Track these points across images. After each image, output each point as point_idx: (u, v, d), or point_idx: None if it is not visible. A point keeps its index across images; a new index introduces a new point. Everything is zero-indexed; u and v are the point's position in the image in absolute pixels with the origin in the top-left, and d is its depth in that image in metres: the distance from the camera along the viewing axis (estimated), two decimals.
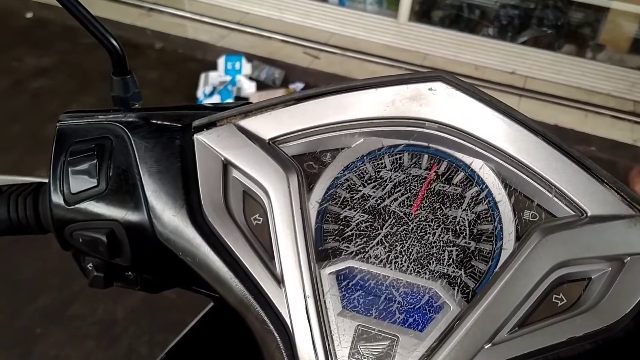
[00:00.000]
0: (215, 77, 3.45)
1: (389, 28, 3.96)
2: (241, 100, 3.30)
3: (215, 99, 3.30)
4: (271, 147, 0.51)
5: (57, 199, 0.54)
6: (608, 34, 3.85)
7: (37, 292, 2.20)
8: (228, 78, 3.44)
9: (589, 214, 0.46)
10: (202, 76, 3.46)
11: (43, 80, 3.43)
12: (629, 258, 0.45)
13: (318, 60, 3.79)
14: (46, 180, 0.58)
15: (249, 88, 3.43)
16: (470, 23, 3.96)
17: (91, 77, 3.36)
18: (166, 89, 3.40)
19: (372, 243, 0.48)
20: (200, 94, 3.36)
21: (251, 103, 0.54)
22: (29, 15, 4.01)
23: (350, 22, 4.02)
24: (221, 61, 3.50)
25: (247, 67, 3.51)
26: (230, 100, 3.30)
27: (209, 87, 3.37)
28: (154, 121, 0.56)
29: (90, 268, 0.58)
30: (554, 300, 0.45)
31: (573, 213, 0.47)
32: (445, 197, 0.49)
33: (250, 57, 3.61)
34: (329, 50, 3.88)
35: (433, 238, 0.48)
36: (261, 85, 3.48)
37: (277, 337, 0.47)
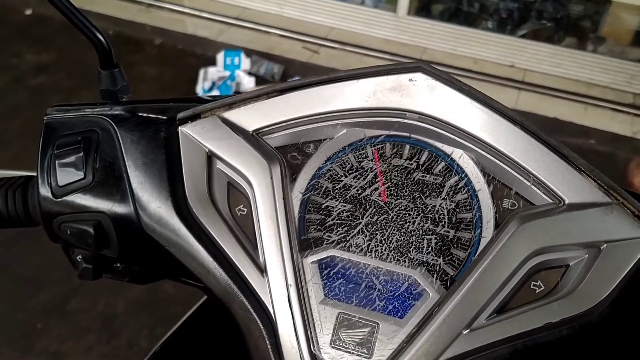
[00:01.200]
0: (214, 72, 3.46)
1: (388, 22, 3.96)
2: None
3: (215, 94, 3.31)
4: (255, 139, 0.52)
5: (45, 191, 0.55)
6: (609, 26, 3.84)
7: (38, 287, 2.22)
8: (227, 73, 3.44)
9: (566, 202, 0.47)
10: (202, 71, 3.46)
11: (43, 76, 3.44)
12: (605, 245, 0.46)
13: (317, 54, 3.79)
14: (34, 174, 0.58)
15: (248, 83, 3.43)
16: (469, 16, 3.96)
17: (91, 73, 3.32)
18: (166, 85, 3.40)
19: (353, 232, 0.49)
20: (199, 89, 3.37)
21: (235, 95, 0.55)
22: (29, 11, 4.02)
23: (350, 17, 4.02)
24: (220, 56, 3.50)
25: (246, 62, 3.51)
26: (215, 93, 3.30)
27: (208, 83, 3.37)
28: (140, 114, 0.56)
29: (79, 260, 0.59)
30: (532, 287, 0.46)
31: (551, 201, 0.48)
32: (425, 186, 0.49)
33: (249, 52, 3.61)
34: (328, 45, 3.88)
35: (413, 227, 0.48)
36: (260, 80, 3.48)
37: (261, 326, 0.48)
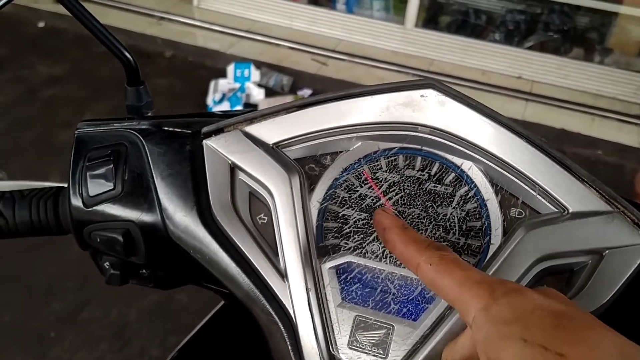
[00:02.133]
0: (224, 84, 3.50)
1: (396, 34, 4.00)
2: (250, 106, 3.35)
3: (225, 105, 3.35)
4: (275, 151, 0.55)
5: (76, 201, 0.58)
6: (616, 38, 3.86)
7: (51, 296, 2.25)
8: (237, 85, 3.48)
9: (570, 211, 0.50)
10: (212, 83, 3.51)
11: (55, 88, 3.49)
12: (607, 251, 0.48)
13: (326, 66, 3.83)
14: (65, 185, 0.61)
15: (257, 95, 3.47)
16: (476, 28, 3.99)
17: (103, 86, 3.41)
18: (177, 96, 3.45)
19: (368, 239, 0.51)
20: (210, 100, 3.41)
21: (256, 110, 0.58)
22: (41, 24, 4.09)
23: (358, 29, 4.06)
24: (230, 68, 3.55)
25: (255, 74, 3.56)
26: (239, 108, 3.34)
27: (218, 94, 3.42)
28: (166, 128, 0.59)
29: (107, 266, 0.61)
30: (540, 289, 0.48)
31: (555, 210, 0.50)
32: (437, 196, 0.52)
33: (259, 64, 3.66)
34: (336, 57, 3.92)
35: (425, 234, 0.51)
36: (270, 92, 3.52)
37: (282, 328, 0.50)
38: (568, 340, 0.34)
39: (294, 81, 3.62)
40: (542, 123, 3.41)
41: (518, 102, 3.62)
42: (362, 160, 0.54)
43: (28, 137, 3.07)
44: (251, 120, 0.56)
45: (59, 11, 4.03)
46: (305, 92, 3.56)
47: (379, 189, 0.53)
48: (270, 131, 0.56)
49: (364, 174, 0.53)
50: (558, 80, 3.76)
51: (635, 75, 3.68)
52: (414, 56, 3.96)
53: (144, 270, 0.62)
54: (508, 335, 0.35)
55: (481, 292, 0.39)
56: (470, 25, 4.03)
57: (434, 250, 0.44)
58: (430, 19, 4.11)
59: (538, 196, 0.51)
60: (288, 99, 3.42)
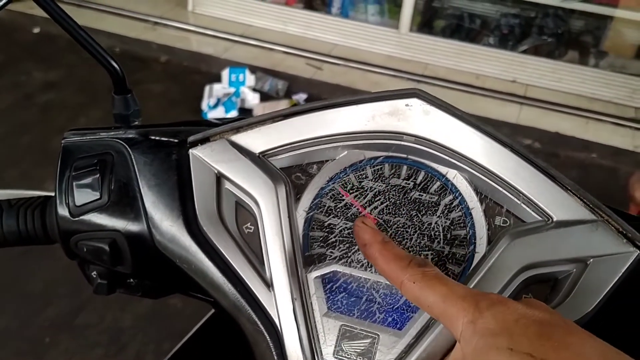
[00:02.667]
0: (219, 89, 3.51)
1: (390, 38, 4.01)
2: (245, 111, 3.35)
3: (220, 110, 3.35)
4: (261, 160, 0.55)
5: (62, 211, 0.57)
6: (611, 41, 3.88)
7: (47, 302, 2.25)
8: (232, 90, 3.49)
9: (554, 219, 0.50)
10: (207, 88, 3.51)
11: (51, 94, 3.49)
12: (591, 260, 0.48)
13: (321, 71, 3.83)
14: (52, 194, 0.61)
15: (252, 99, 3.47)
16: (471, 32, 4.00)
17: (98, 91, 3.41)
18: (171, 102, 3.45)
19: (354, 248, 0.52)
20: (204, 105, 3.41)
21: (243, 119, 0.58)
22: (36, 30, 4.09)
23: (353, 33, 4.07)
24: (225, 73, 3.55)
25: (250, 79, 3.56)
26: (234, 112, 3.35)
27: (213, 99, 3.42)
28: (153, 137, 0.59)
29: (95, 276, 0.61)
30: (523, 299, 0.49)
31: (540, 218, 0.50)
32: (422, 204, 0.52)
33: (253, 69, 3.66)
34: (331, 62, 3.92)
35: (410, 243, 0.51)
36: (265, 97, 3.53)
37: (267, 337, 0.50)
38: (552, 347, 0.35)
39: (289, 86, 3.63)
40: (536, 126, 3.42)
41: (512, 105, 3.63)
42: (348, 169, 0.54)
43: (24, 142, 3.07)
44: (237, 130, 0.56)
45: None
46: (300, 97, 3.56)
47: (358, 200, 0.53)
48: (256, 140, 0.56)
49: (339, 191, 0.53)
50: (552, 83, 3.77)
51: (629, 78, 3.69)
52: (409, 60, 3.97)
53: (131, 280, 0.62)
54: (495, 346, 0.36)
55: (466, 306, 0.39)
56: (464, 29, 4.04)
57: (416, 268, 0.44)
58: (425, 24, 4.12)
59: (522, 205, 0.51)
60: (283, 103, 3.42)
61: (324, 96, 3.58)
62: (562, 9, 3.86)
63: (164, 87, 3.57)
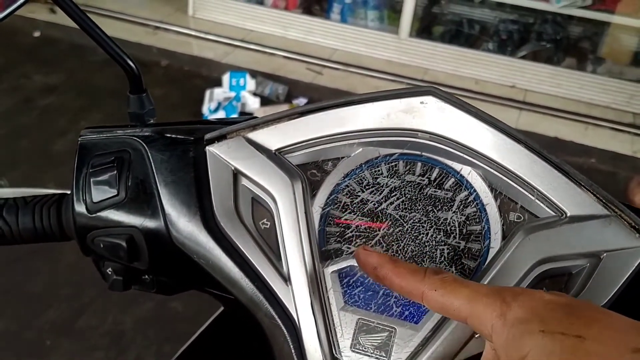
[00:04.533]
0: (220, 93, 3.51)
1: (390, 44, 4.02)
2: (246, 115, 3.35)
3: (220, 114, 3.36)
4: (277, 157, 0.56)
5: (79, 207, 0.58)
6: (608, 47, 3.90)
7: (47, 304, 2.24)
8: (232, 94, 3.49)
9: (568, 215, 0.51)
10: (207, 92, 3.52)
11: (51, 97, 3.49)
12: (605, 254, 0.49)
13: (321, 75, 3.84)
14: (68, 192, 0.62)
15: (253, 104, 3.48)
16: (470, 38, 4.02)
17: (99, 94, 3.42)
18: (172, 105, 3.45)
19: (370, 243, 0.52)
20: (205, 109, 3.42)
21: (257, 117, 0.59)
22: (37, 34, 4.09)
23: (352, 39, 4.08)
24: (226, 77, 3.56)
25: (251, 83, 3.56)
26: (235, 116, 3.35)
27: (214, 103, 3.43)
28: (168, 135, 0.60)
29: (110, 272, 0.62)
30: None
31: (554, 214, 0.51)
32: (437, 200, 0.53)
33: (254, 74, 3.67)
34: (331, 66, 3.94)
35: (426, 238, 0.52)
36: (265, 101, 3.53)
37: (285, 331, 0.51)
38: (582, 323, 0.36)
39: (289, 90, 3.64)
40: (535, 131, 3.43)
41: (512, 110, 3.64)
42: (363, 165, 0.55)
43: (24, 145, 3.07)
44: (254, 127, 0.57)
45: (54, 21, 4.04)
46: (301, 101, 3.57)
47: (380, 193, 0.54)
48: (272, 137, 0.56)
49: (354, 187, 0.54)
50: (551, 89, 3.78)
51: (627, 84, 3.71)
52: (409, 65, 3.99)
53: (146, 276, 0.63)
54: (527, 331, 0.37)
55: (492, 302, 0.40)
56: (463, 35, 4.05)
57: (433, 276, 0.44)
58: (424, 29, 4.14)
59: (536, 200, 0.52)
60: (283, 107, 3.42)
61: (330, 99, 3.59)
62: (560, 15, 3.88)
63: (165, 91, 3.57)
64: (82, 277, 2.23)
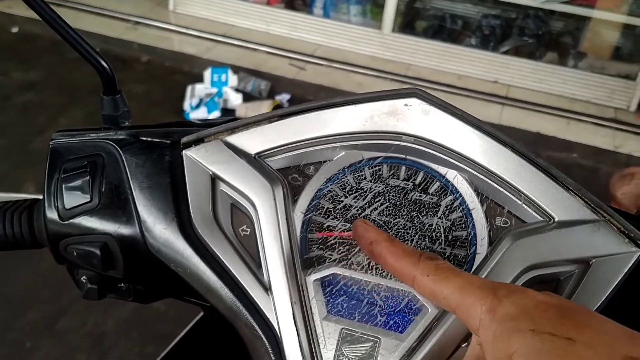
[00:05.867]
0: (201, 89, 3.48)
1: (373, 39, 4.01)
2: (228, 111, 3.32)
3: (202, 110, 3.33)
4: (257, 161, 0.54)
5: (51, 214, 0.56)
6: (589, 42, 3.92)
7: (27, 306, 2.21)
8: (214, 90, 3.46)
9: (556, 220, 0.49)
10: (189, 88, 3.48)
11: (30, 94, 3.44)
12: (594, 260, 0.48)
13: (304, 71, 3.82)
14: (40, 197, 0.60)
15: (235, 100, 3.45)
16: (452, 33, 4.02)
17: (79, 91, 3.37)
18: (153, 102, 3.42)
19: (354, 250, 0.51)
20: (187, 106, 3.39)
21: (237, 119, 0.57)
22: (15, 29, 4.02)
23: (336, 34, 4.07)
24: (207, 73, 3.53)
25: (233, 79, 3.54)
26: (217, 113, 3.32)
27: (195, 99, 3.39)
28: (144, 138, 0.58)
29: (84, 281, 0.60)
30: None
31: (541, 219, 0.50)
32: (422, 205, 0.52)
33: (236, 69, 3.64)
34: (315, 62, 3.92)
35: (411, 244, 0.50)
36: (247, 97, 3.51)
37: (266, 342, 0.49)
38: (574, 326, 0.35)
39: (272, 86, 3.62)
40: (518, 127, 3.44)
41: (494, 106, 3.65)
42: (346, 170, 0.54)
43: (3, 144, 3.02)
44: (232, 130, 0.55)
45: (33, 16, 3.93)
46: (284, 97, 3.55)
47: (364, 199, 0.52)
48: (252, 141, 0.54)
49: (337, 192, 0.52)
50: (533, 84, 3.80)
51: (608, 79, 3.74)
52: (392, 61, 3.98)
53: (122, 284, 0.61)
54: (517, 329, 0.36)
55: (483, 295, 0.39)
56: (446, 30, 4.06)
57: (427, 261, 0.43)
58: (407, 24, 4.14)
59: (524, 205, 0.50)
60: (266, 103, 3.41)
61: (308, 96, 3.58)
62: (542, 10, 3.89)
63: (146, 87, 3.53)
64: (63, 279, 2.19)
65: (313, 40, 4.10)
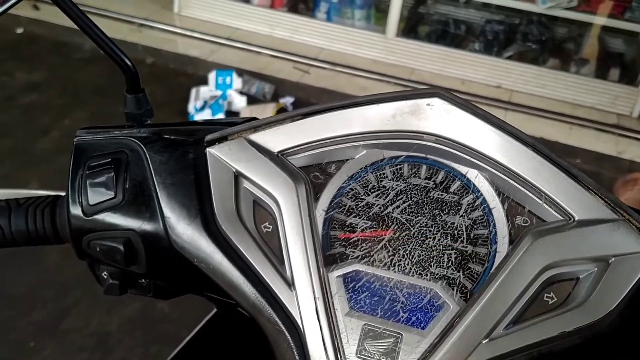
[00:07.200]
0: (206, 91, 3.48)
1: (377, 43, 4.02)
2: (232, 114, 3.33)
3: (206, 113, 3.33)
4: (280, 159, 0.55)
5: (75, 210, 0.57)
6: (591, 48, 3.93)
7: (31, 306, 2.21)
8: (219, 92, 3.47)
9: (576, 219, 0.50)
10: (193, 91, 3.49)
11: (34, 95, 3.44)
12: (613, 259, 0.49)
13: (308, 74, 3.83)
14: (62, 194, 0.60)
15: (239, 102, 3.46)
16: (456, 38, 4.03)
17: (83, 92, 3.38)
18: (158, 104, 3.39)
19: (376, 247, 0.51)
20: (191, 108, 3.39)
21: (258, 119, 0.58)
22: (20, 30, 4.03)
23: (339, 38, 4.08)
24: (212, 76, 3.53)
25: (237, 82, 3.54)
26: (221, 115, 3.33)
27: (199, 102, 3.40)
28: (167, 136, 0.59)
29: (106, 276, 0.60)
30: (545, 298, 0.49)
31: (561, 218, 0.51)
32: (444, 204, 0.52)
33: (240, 72, 3.64)
34: (318, 65, 3.92)
35: (433, 242, 0.51)
36: (252, 100, 3.51)
37: (289, 337, 0.50)
38: None
39: (275, 89, 3.62)
40: None
41: (497, 111, 3.65)
42: (367, 168, 0.54)
43: (7, 144, 3.02)
44: (255, 128, 0.56)
45: (37, 17, 3.98)
46: (287, 100, 3.55)
47: (385, 197, 0.53)
48: (275, 139, 0.55)
49: (359, 190, 0.53)
50: (536, 89, 3.81)
51: (611, 85, 3.75)
52: (395, 65, 3.98)
53: (143, 280, 0.62)
54: None
55: None
56: (450, 35, 4.06)
57: None
58: (410, 29, 4.14)
59: (544, 204, 0.51)
60: (270, 106, 3.41)
61: (311, 99, 3.58)
62: (545, 16, 3.90)
63: (150, 89, 3.44)
64: (67, 278, 2.20)
65: (316, 44, 4.11)
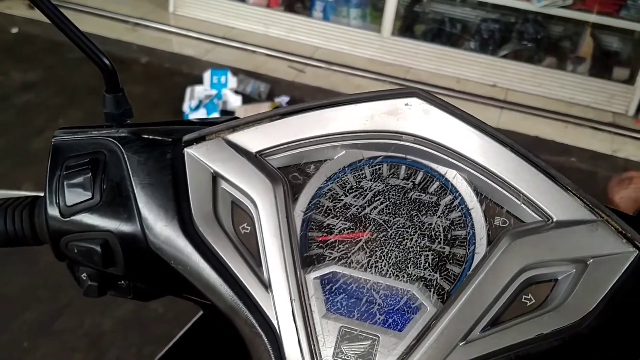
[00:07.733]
0: (201, 90, 3.48)
1: (372, 42, 4.02)
2: (227, 113, 3.33)
3: (201, 112, 3.32)
4: (258, 160, 0.54)
5: (53, 211, 0.56)
6: (588, 46, 3.93)
7: (24, 306, 2.20)
8: (214, 92, 3.46)
9: (554, 220, 0.50)
10: (188, 90, 3.48)
11: (30, 94, 3.44)
12: (591, 260, 0.48)
13: (303, 74, 3.83)
14: (41, 194, 0.60)
15: (234, 102, 3.45)
16: (452, 37, 4.03)
17: (78, 92, 3.37)
18: (153, 103, 3.41)
19: (353, 249, 0.51)
20: (186, 107, 3.38)
21: (238, 118, 0.57)
22: (14, 30, 4.02)
23: (335, 37, 4.07)
24: (207, 75, 3.53)
25: (232, 81, 3.54)
26: (216, 114, 3.32)
27: (194, 101, 3.39)
28: (146, 136, 0.58)
29: (85, 278, 0.60)
30: (523, 300, 0.48)
31: (540, 219, 0.50)
32: (422, 205, 0.52)
33: (235, 71, 3.64)
34: (314, 64, 3.92)
35: (410, 243, 0.51)
36: (247, 99, 3.51)
37: (265, 340, 0.50)
38: None
39: (271, 88, 3.62)
40: (516, 130, 3.44)
41: (493, 109, 3.65)
42: (346, 168, 0.54)
43: (2, 144, 3.01)
44: (234, 128, 0.55)
45: (32, 17, 3.97)
46: (283, 99, 3.55)
47: (364, 197, 0.52)
48: (253, 139, 0.55)
49: (337, 191, 0.52)
50: (532, 88, 3.81)
51: (607, 83, 3.75)
52: (391, 64, 3.98)
53: (122, 282, 0.61)
54: None
55: None
56: (445, 33, 4.06)
57: None
58: (406, 28, 4.14)
59: (522, 205, 0.51)
60: (265, 106, 3.41)
61: (307, 99, 3.57)
62: (541, 14, 3.90)
63: (145, 88, 3.53)
64: (60, 279, 2.19)
65: (312, 43, 4.10)
